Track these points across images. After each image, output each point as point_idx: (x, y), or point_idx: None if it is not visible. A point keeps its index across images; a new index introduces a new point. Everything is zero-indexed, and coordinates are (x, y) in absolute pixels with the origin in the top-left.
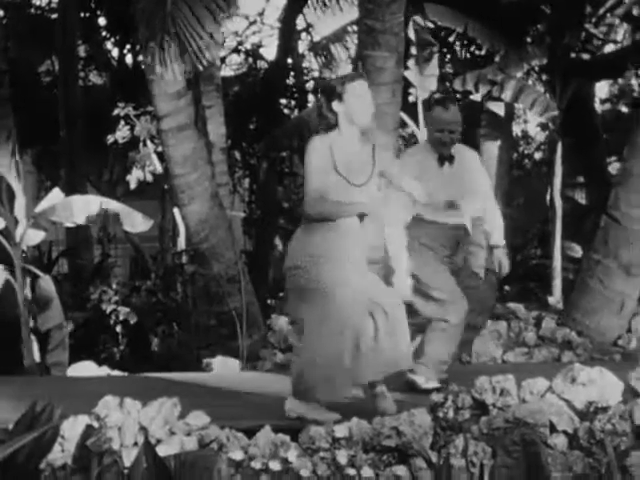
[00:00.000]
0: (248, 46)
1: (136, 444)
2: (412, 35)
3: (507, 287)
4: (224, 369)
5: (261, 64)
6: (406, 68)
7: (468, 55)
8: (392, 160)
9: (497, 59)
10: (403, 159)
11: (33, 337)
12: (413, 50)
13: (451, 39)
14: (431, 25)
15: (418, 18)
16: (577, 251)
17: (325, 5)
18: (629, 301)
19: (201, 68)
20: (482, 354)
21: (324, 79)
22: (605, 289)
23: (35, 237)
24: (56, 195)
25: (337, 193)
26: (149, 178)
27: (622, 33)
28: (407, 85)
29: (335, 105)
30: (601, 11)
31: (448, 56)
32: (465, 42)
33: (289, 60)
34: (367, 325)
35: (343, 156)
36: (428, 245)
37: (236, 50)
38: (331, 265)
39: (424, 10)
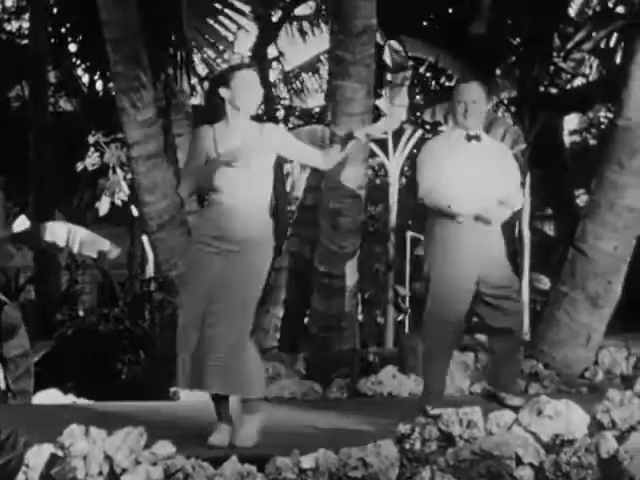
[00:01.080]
0: None
1: (101, 473)
2: (388, 60)
3: (475, 318)
4: (191, 398)
5: None
6: (379, 96)
7: (438, 86)
8: (287, 137)
9: None
10: (429, 143)
11: None
12: (388, 76)
13: (422, 70)
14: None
15: (394, 43)
16: (545, 283)
17: (301, 33)
18: (595, 334)
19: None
20: (449, 386)
21: (294, 107)
22: (572, 321)
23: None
24: (22, 222)
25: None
26: (118, 203)
27: (590, 67)
28: (378, 114)
29: (222, 92)
30: (570, 45)
31: (417, 88)
32: (436, 73)
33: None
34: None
35: (228, 142)
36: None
37: (207, 78)
38: None
39: (399, 36)
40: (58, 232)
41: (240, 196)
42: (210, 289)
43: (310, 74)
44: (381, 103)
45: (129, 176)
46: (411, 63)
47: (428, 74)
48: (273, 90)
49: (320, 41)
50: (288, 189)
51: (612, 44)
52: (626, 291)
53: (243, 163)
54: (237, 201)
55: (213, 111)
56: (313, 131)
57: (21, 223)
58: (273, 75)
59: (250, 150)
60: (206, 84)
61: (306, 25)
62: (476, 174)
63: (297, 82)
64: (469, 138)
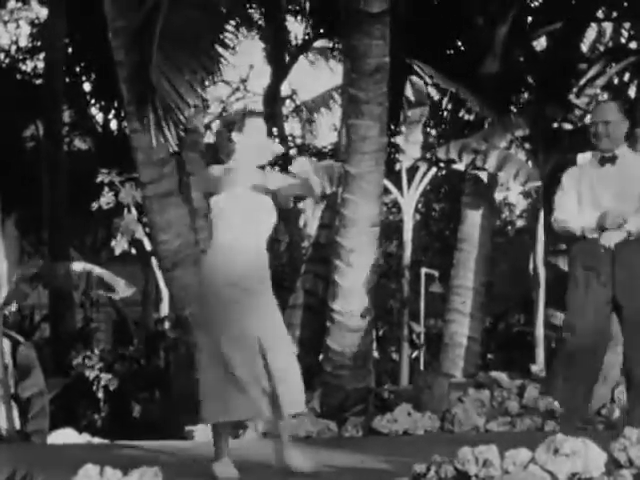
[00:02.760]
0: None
1: None
2: (411, 96)
3: (490, 355)
4: (206, 437)
5: None
6: (398, 133)
7: (457, 119)
8: (283, 178)
9: (486, 125)
10: (568, 171)
11: (13, 404)
12: (409, 113)
13: (444, 100)
14: (429, 81)
15: (415, 78)
16: (560, 319)
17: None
18: (612, 371)
19: (182, 133)
20: (465, 423)
21: (307, 145)
22: None
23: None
24: (37, 261)
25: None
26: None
27: None
28: (395, 151)
29: (234, 135)
30: (582, 82)
31: (432, 122)
32: (456, 105)
33: (273, 127)
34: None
35: (234, 184)
36: None
37: (221, 116)
38: None
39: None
40: (73, 270)
41: (245, 237)
42: (241, 321)
43: (322, 110)
44: (400, 140)
45: (143, 215)
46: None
47: (449, 106)
48: (285, 127)
49: (332, 76)
50: (301, 226)
51: (625, 80)
52: None
53: (248, 205)
54: (242, 242)
55: (224, 150)
56: (330, 166)
57: (37, 262)
58: (286, 112)
59: (254, 193)
60: (218, 123)
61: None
62: (606, 198)
63: (309, 118)
64: (602, 161)
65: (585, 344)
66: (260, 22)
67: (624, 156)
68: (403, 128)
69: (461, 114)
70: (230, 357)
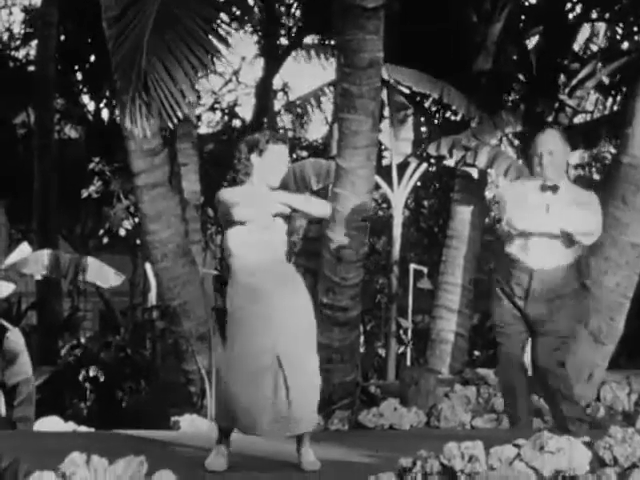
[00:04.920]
0: (224, 104)
1: None
2: (385, 97)
3: (477, 352)
4: (192, 428)
5: (236, 122)
6: (379, 131)
7: (443, 120)
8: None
9: (473, 125)
10: (503, 189)
11: None
12: (385, 112)
13: (427, 104)
14: (406, 90)
15: (394, 83)
16: None
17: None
18: (597, 370)
19: (171, 126)
20: (451, 419)
21: (299, 139)
22: (574, 357)
23: (5, 290)
24: (24, 249)
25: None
26: (122, 233)
27: (594, 103)
28: (381, 148)
29: (253, 158)
30: (574, 81)
31: (422, 120)
32: (440, 107)
33: (264, 119)
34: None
35: (248, 206)
36: None
37: (212, 108)
38: None
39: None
40: (61, 259)
41: (262, 258)
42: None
43: (314, 105)
44: (383, 137)
45: (133, 204)
46: (418, 99)
47: (433, 108)
48: (277, 121)
49: (324, 72)
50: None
51: (616, 80)
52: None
53: (262, 226)
54: (260, 263)
55: (241, 170)
56: (317, 164)
57: (24, 250)
58: (278, 105)
59: (267, 214)
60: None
61: (312, 54)
62: (547, 225)
63: (301, 113)
64: (543, 188)
65: None
66: (256, 13)
67: (565, 188)
68: (385, 125)
69: (447, 115)
70: (244, 373)
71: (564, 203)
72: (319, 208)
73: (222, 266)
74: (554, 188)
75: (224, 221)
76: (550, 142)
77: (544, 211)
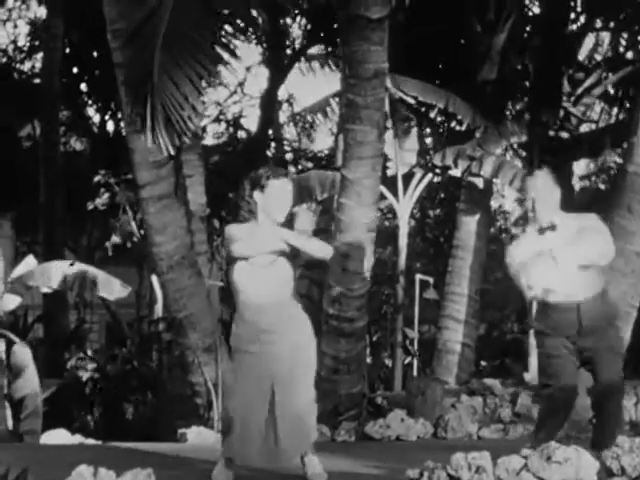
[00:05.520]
0: (229, 116)
1: None
2: (387, 108)
3: (483, 363)
4: (199, 440)
5: (241, 134)
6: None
7: (448, 130)
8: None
9: (477, 135)
10: (510, 256)
11: (6, 404)
12: (388, 123)
13: (432, 114)
14: (411, 100)
15: (394, 90)
16: None
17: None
18: None
19: (187, 141)
20: (458, 430)
21: (303, 150)
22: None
23: (11, 302)
24: (30, 261)
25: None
26: (128, 245)
27: (599, 112)
28: (385, 159)
29: (256, 195)
30: (579, 90)
31: (428, 130)
32: (445, 117)
33: (269, 131)
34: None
35: (254, 243)
36: None
37: (217, 119)
38: None
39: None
40: (68, 271)
41: (267, 296)
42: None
43: (319, 116)
44: (387, 148)
45: (139, 216)
46: (423, 109)
47: (438, 119)
48: (282, 132)
49: (329, 83)
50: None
51: (622, 89)
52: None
53: (265, 263)
54: (265, 299)
55: (245, 208)
56: (322, 175)
57: (29, 262)
58: (283, 116)
59: (270, 251)
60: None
61: (316, 65)
62: (562, 275)
63: (306, 123)
64: (542, 231)
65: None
66: (261, 25)
67: (563, 222)
68: (388, 136)
69: (452, 124)
70: (242, 403)
71: (567, 237)
72: (320, 250)
73: (228, 278)
74: (552, 227)
75: (228, 257)
76: (539, 185)
77: (553, 264)
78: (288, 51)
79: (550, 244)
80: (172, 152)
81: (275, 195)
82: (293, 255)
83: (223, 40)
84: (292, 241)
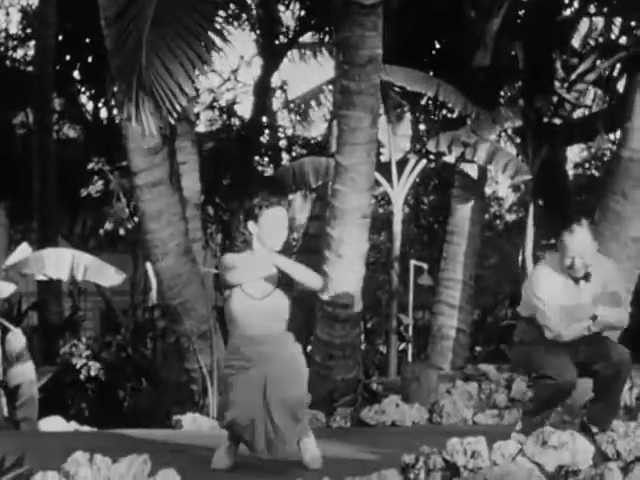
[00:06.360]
0: (223, 103)
1: None
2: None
3: (478, 348)
4: (194, 426)
5: (235, 121)
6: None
7: (440, 117)
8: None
9: (469, 122)
10: (539, 279)
11: (2, 391)
12: (381, 110)
13: (423, 102)
14: (398, 90)
15: (385, 77)
16: None
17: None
18: None
19: (172, 121)
20: (453, 415)
21: (297, 137)
22: None
23: (6, 290)
24: (24, 249)
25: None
26: (121, 232)
27: (593, 98)
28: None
29: (250, 226)
30: (573, 76)
31: (421, 117)
32: (437, 105)
33: (263, 118)
34: None
35: (250, 274)
36: None
37: (211, 106)
38: None
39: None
40: (62, 258)
41: (261, 327)
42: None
43: (313, 103)
44: (380, 134)
45: (133, 203)
46: (415, 96)
47: (430, 107)
48: (276, 119)
49: (323, 70)
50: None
51: (615, 75)
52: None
53: (260, 294)
54: (259, 333)
55: (239, 239)
56: (316, 161)
57: (24, 250)
58: (276, 103)
59: (263, 279)
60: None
61: (309, 53)
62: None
63: (300, 110)
64: (577, 280)
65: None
66: (253, 11)
67: (594, 269)
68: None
69: (444, 112)
70: (239, 412)
71: (592, 291)
72: (312, 280)
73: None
74: (587, 277)
75: (224, 285)
76: (581, 246)
77: (575, 318)
78: (282, 38)
79: (578, 299)
80: (154, 134)
81: (269, 226)
82: (287, 283)
83: (215, 25)
84: (283, 266)
